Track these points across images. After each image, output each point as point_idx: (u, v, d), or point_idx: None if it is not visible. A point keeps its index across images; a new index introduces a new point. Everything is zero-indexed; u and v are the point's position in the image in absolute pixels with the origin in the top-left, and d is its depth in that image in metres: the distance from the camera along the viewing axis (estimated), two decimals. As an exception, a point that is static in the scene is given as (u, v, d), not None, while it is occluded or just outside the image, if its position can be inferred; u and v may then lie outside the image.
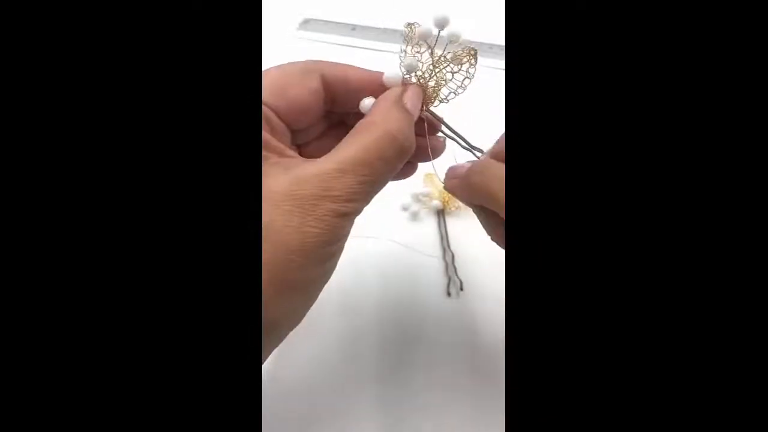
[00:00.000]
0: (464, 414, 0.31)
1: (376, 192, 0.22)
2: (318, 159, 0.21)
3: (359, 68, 0.25)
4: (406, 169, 0.26)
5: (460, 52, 0.24)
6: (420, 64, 0.24)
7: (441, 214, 0.41)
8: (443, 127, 0.26)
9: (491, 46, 0.55)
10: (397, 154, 0.22)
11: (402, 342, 0.34)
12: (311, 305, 0.22)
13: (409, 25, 0.24)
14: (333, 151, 0.21)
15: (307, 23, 0.58)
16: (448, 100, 0.25)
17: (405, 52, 0.24)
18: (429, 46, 0.23)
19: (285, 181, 0.20)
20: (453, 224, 0.40)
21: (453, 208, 0.41)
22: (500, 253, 0.32)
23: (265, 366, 0.23)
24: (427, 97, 0.25)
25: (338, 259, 0.22)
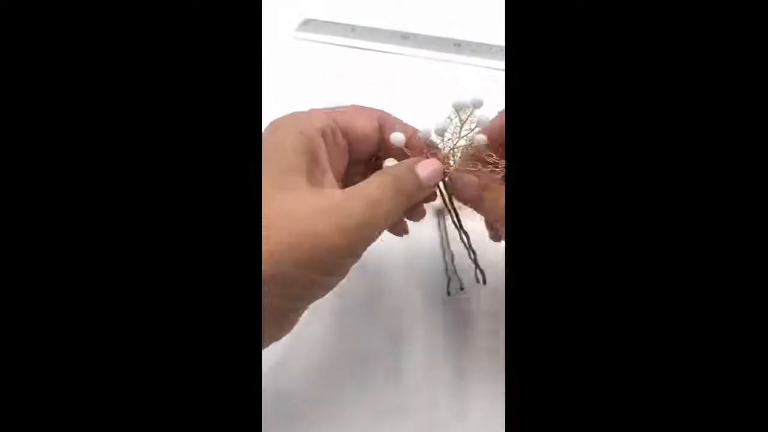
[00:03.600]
0: (464, 414, 0.31)
1: (381, 227, 0.25)
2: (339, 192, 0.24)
3: (406, 124, 0.28)
4: (416, 214, 0.31)
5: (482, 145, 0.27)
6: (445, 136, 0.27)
7: (441, 214, 0.41)
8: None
9: (491, 47, 0.55)
10: (394, 211, 0.25)
11: (402, 342, 0.34)
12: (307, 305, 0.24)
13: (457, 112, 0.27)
14: (350, 189, 0.24)
15: (307, 24, 0.58)
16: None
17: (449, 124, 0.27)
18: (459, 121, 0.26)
19: (316, 194, 0.23)
20: (453, 224, 0.40)
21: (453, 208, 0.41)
22: (500, 253, 0.32)
23: (265, 365, 0.23)
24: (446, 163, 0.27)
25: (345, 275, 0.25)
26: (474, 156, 0.27)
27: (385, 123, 0.28)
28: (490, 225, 0.32)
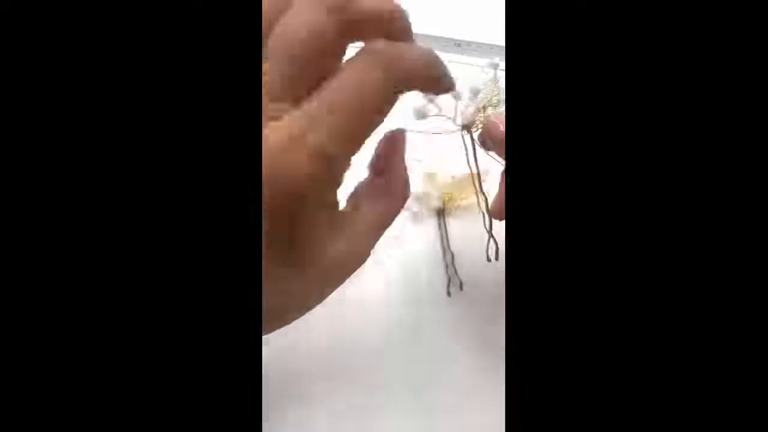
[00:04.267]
0: (464, 413, 0.31)
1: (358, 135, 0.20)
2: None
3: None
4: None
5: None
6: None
7: (441, 214, 0.41)
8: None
9: (491, 47, 0.55)
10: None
11: (402, 342, 0.34)
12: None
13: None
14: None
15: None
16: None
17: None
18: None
19: (342, 242, 0.22)
20: (453, 224, 0.40)
21: (453, 208, 0.41)
22: (500, 253, 0.32)
23: (264, 367, 0.23)
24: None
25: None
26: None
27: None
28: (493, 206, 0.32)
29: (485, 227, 0.36)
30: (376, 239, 0.24)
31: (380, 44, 0.20)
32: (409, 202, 0.42)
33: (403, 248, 0.38)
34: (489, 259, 0.35)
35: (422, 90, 0.23)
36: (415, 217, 0.41)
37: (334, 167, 0.20)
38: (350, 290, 0.34)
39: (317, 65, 0.20)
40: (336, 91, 0.19)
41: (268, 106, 0.19)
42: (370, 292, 0.36)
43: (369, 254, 0.24)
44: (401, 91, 0.21)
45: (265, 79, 0.19)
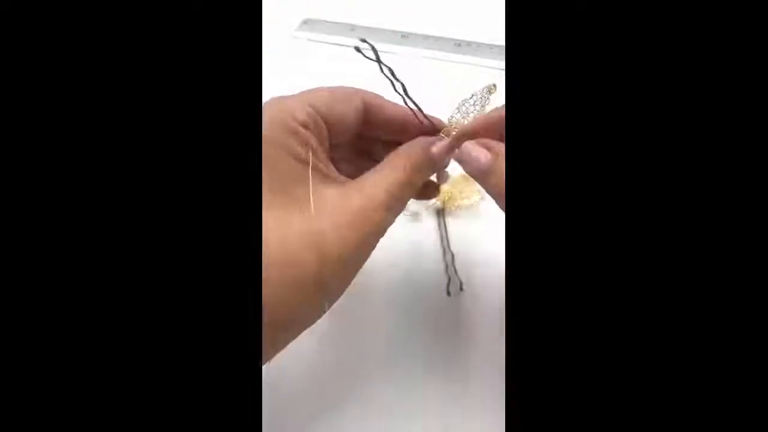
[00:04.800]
0: (464, 413, 0.31)
1: (399, 210, 0.25)
2: (356, 182, 0.25)
3: (395, 103, 0.28)
4: (428, 192, 0.32)
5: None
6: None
7: (441, 214, 0.41)
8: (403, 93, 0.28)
9: (491, 47, 0.55)
10: (411, 189, 0.26)
11: (402, 342, 0.34)
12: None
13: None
14: (369, 175, 0.25)
15: (306, 23, 0.58)
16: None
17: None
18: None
19: (337, 199, 0.23)
20: (453, 224, 0.40)
21: (453, 208, 0.41)
22: (500, 253, 0.32)
23: (264, 367, 0.23)
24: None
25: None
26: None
27: (370, 102, 0.27)
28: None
29: (446, 261, 0.37)
30: (388, 200, 0.24)
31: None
32: (409, 202, 0.42)
33: (403, 248, 0.38)
34: (449, 294, 0.35)
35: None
36: (415, 217, 0.41)
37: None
38: (350, 290, 0.34)
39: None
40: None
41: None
42: (370, 292, 0.36)
43: (382, 217, 0.24)
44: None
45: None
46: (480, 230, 0.39)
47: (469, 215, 0.40)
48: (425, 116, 0.27)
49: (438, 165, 0.26)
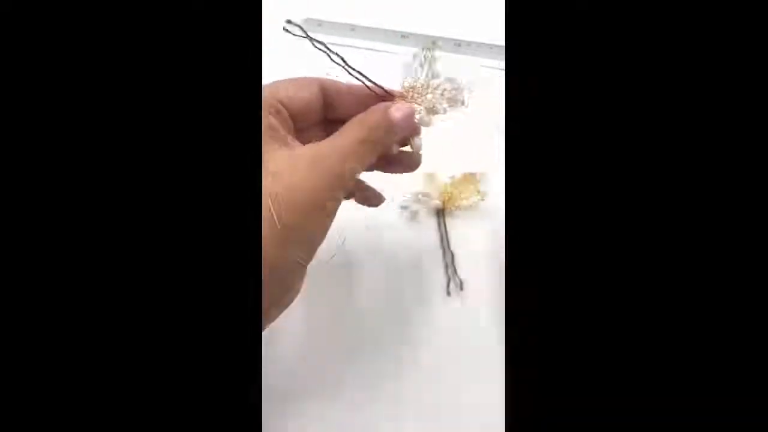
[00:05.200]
0: (464, 413, 0.31)
1: (364, 164, 0.28)
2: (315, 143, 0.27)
3: (352, 84, 0.30)
4: (408, 163, 0.32)
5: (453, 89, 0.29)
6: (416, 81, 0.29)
7: (441, 214, 0.41)
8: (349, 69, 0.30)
9: (491, 47, 0.55)
10: (369, 148, 0.28)
11: (402, 342, 0.34)
12: (311, 258, 0.26)
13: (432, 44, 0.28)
14: (327, 138, 0.27)
15: (307, 23, 0.58)
16: (444, 111, 0.29)
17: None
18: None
19: (292, 153, 0.26)
20: (453, 224, 0.40)
21: (453, 208, 0.41)
22: (500, 253, 0.32)
23: (264, 367, 0.23)
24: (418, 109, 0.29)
25: (331, 220, 0.27)
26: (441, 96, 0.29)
27: (326, 85, 0.30)
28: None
29: (446, 261, 0.37)
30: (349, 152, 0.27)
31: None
32: (409, 201, 0.42)
33: (403, 248, 0.38)
34: (449, 294, 0.36)
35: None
36: (415, 217, 0.41)
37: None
38: (350, 290, 0.34)
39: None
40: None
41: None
42: (370, 292, 0.36)
43: (341, 165, 0.26)
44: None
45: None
46: (480, 230, 0.39)
47: (469, 215, 0.40)
48: (375, 84, 0.29)
49: (398, 123, 0.28)
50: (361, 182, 0.32)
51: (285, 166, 0.25)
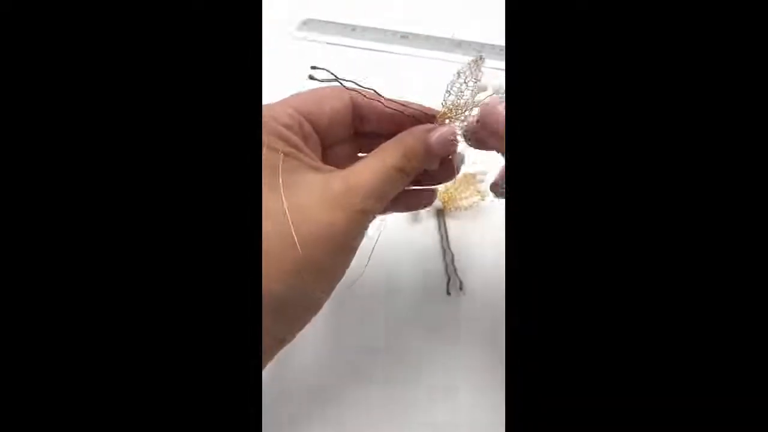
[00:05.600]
0: (464, 413, 0.31)
1: (388, 197, 0.25)
2: (342, 170, 0.25)
3: (386, 98, 0.27)
4: (427, 197, 0.30)
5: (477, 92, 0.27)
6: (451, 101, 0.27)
7: (441, 214, 0.41)
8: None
9: (492, 47, 0.55)
10: (403, 177, 0.26)
11: (402, 342, 0.34)
12: (330, 293, 0.25)
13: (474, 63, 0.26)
14: (357, 164, 0.25)
15: (307, 23, 0.58)
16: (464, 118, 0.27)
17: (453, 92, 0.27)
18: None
19: (318, 183, 0.24)
20: (453, 224, 0.40)
21: (453, 208, 0.41)
22: (500, 253, 0.32)
23: (265, 366, 0.23)
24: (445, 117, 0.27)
25: (354, 255, 0.26)
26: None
27: (358, 99, 0.27)
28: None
29: (446, 261, 0.37)
30: (376, 182, 0.25)
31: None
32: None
33: (403, 248, 0.38)
34: (449, 294, 0.36)
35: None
36: (415, 217, 0.41)
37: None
38: (351, 290, 0.34)
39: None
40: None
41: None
42: (370, 292, 0.36)
43: (366, 198, 0.24)
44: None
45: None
46: (480, 230, 0.39)
47: (469, 215, 0.40)
48: (415, 109, 0.27)
49: (437, 151, 0.26)
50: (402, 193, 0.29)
51: (310, 198, 0.23)
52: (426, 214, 0.41)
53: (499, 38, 0.55)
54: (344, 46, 0.55)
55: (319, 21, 0.58)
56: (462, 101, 0.26)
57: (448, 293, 0.36)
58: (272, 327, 0.22)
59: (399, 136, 0.26)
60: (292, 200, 0.23)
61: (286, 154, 0.24)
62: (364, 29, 0.57)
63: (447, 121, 0.27)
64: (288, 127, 0.25)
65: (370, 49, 0.55)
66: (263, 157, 0.23)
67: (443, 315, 0.35)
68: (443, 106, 0.26)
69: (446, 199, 0.40)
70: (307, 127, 0.26)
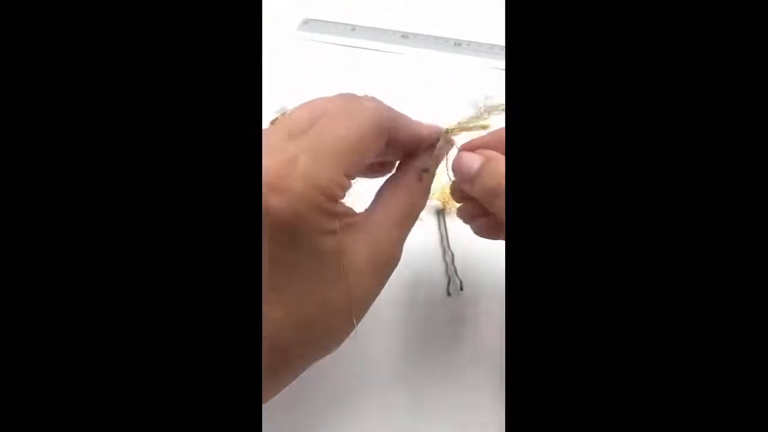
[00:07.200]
0: (464, 413, 0.31)
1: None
2: (376, 217, 0.26)
3: (415, 121, 0.27)
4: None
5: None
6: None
7: (441, 214, 0.41)
8: None
9: (491, 46, 0.55)
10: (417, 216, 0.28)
11: (402, 342, 0.34)
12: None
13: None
14: (377, 218, 0.26)
15: (307, 23, 0.58)
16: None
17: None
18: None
19: (366, 247, 0.24)
20: (453, 224, 0.40)
21: (453, 208, 0.41)
22: (500, 253, 0.32)
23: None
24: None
25: None
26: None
27: (393, 132, 0.25)
28: (472, 218, 0.31)
29: (446, 261, 0.37)
30: (402, 236, 0.27)
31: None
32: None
33: (403, 248, 0.38)
34: (449, 294, 0.36)
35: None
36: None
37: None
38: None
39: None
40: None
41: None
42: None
43: (399, 252, 0.27)
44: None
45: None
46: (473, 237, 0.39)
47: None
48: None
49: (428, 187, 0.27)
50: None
51: (357, 267, 0.24)
52: (426, 214, 0.41)
53: (499, 38, 0.55)
54: (344, 46, 0.55)
55: (319, 21, 0.58)
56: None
57: (448, 293, 0.36)
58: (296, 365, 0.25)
59: (402, 181, 0.27)
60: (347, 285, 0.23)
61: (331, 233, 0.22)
62: (364, 29, 0.57)
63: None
64: (339, 199, 0.22)
65: (370, 49, 0.55)
66: (310, 241, 0.22)
67: (443, 315, 0.35)
68: (458, 123, 0.28)
69: (446, 199, 0.40)
70: (347, 184, 0.23)
